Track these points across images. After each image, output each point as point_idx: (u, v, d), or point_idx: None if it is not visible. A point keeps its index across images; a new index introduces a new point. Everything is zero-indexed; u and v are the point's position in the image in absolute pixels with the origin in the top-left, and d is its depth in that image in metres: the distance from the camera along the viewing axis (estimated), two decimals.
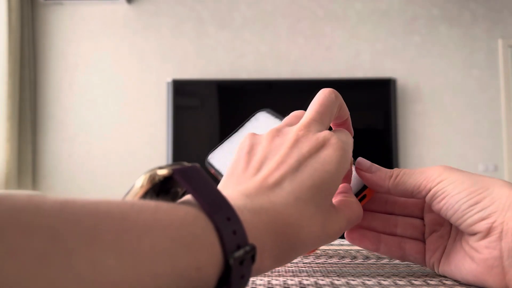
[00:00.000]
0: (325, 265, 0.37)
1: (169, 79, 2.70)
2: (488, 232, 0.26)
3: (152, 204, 0.18)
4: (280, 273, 0.33)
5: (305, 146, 0.25)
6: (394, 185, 0.30)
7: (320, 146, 0.25)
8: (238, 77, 2.76)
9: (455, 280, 0.30)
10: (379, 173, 0.31)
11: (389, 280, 0.30)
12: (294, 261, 0.39)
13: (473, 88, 2.82)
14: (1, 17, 2.60)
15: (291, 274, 0.33)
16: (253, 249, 0.19)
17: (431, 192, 0.28)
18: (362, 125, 2.69)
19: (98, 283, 0.14)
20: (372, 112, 2.74)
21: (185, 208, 0.19)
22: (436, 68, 2.82)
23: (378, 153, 2.69)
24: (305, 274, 0.33)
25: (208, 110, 2.72)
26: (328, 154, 0.25)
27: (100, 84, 2.78)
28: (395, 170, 0.31)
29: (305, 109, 0.29)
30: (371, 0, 2.85)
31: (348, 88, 2.70)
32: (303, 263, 0.39)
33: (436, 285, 0.29)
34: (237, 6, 2.83)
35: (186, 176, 0.20)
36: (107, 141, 2.75)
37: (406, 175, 0.30)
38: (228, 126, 2.67)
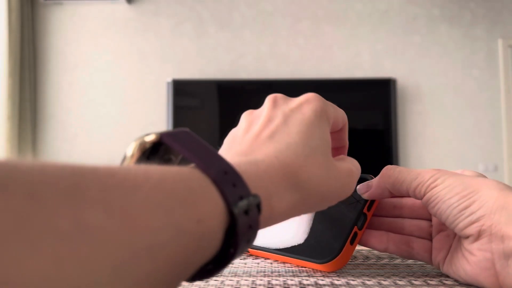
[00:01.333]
0: None
1: (169, 79, 2.70)
2: (478, 235, 0.26)
3: (142, 165, 0.17)
4: (280, 273, 0.33)
5: (287, 106, 0.26)
6: (391, 184, 0.31)
7: (300, 104, 0.26)
8: (238, 77, 2.75)
9: (455, 280, 0.30)
10: (376, 183, 0.33)
11: (389, 280, 0.30)
12: None
13: (473, 88, 2.82)
14: (1, 17, 2.60)
15: (291, 274, 0.33)
16: (256, 197, 0.19)
17: (425, 197, 0.29)
18: (362, 125, 2.69)
19: (87, 242, 0.12)
20: (372, 112, 2.74)
21: (178, 167, 0.18)
22: (436, 68, 2.82)
23: (378, 153, 2.69)
24: (305, 274, 0.33)
25: (208, 110, 2.72)
26: (309, 106, 0.26)
27: (100, 84, 2.78)
28: (388, 168, 0.32)
29: None
30: (371, 0, 2.85)
31: (348, 88, 2.70)
32: None
33: (436, 285, 0.29)
34: (237, 6, 2.83)
35: (176, 138, 0.20)
36: (107, 141, 2.75)
37: (402, 174, 0.31)
38: (228, 126, 2.66)
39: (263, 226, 0.20)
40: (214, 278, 0.31)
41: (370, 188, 0.33)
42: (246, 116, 0.28)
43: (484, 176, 0.30)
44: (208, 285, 0.29)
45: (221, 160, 0.19)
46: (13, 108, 2.58)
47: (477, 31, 2.84)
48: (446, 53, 2.83)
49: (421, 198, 0.29)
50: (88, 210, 0.13)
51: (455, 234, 0.31)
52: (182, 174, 0.17)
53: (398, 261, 0.39)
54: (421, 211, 0.34)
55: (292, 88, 2.71)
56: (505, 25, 2.85)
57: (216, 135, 2.67)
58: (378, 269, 0.35)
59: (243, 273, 0.33)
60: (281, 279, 0.31)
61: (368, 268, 0.35)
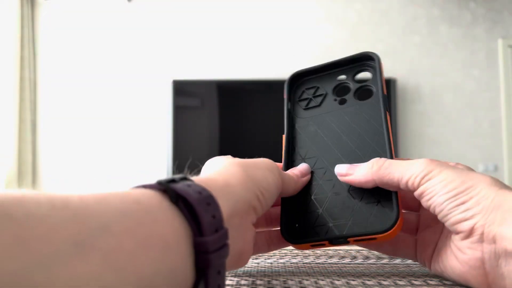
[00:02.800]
0: (325, 265, 0.37)
1: (169, 79, 2.70)
2: (470, 233, 0.26)
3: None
4: (280, 273, 0.33)
5: None
6: (380, 177, 0.30)
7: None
8: (238, 77, 2.76)
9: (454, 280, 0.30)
10: (359, 170, 0.31)
11: (389, 280, 0.30)
12: (294, 261, 0.39)
13: (473, 88, 2.82)
14: (1, 17, 2.60)
15: (291, 274, 0.33)
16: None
17: (419, 190, 0.28)
18: None
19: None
20: None
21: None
22: (436, 68, 2.82)
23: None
24: (305, 274, 0.33)
25: (208, 110, 2.72)
26: None
27: (100, 84, 2.78)
28: (376, 161, 0.31)
29: None
30: (371, 0, 2.85)
31: None
32: (303, 263, 0.39)
33: (436, 285, 0.29)
34: (237, 6, 2.83)
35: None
36: (108, 141, 2.75)
37: (393, 166, 0.29)
38: (228, 126, 2.67)
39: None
40: None
41: (351, 172, 0.31)
42: None
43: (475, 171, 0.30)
44: None
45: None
46: (13, 108, 2.58)
47: (477, 31, 2.84)
48: (446, 53, 2.83)
49: (414, 190, 0.28)
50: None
51: (442, 230, 0.31)
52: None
53: (398, 261, 0.39)
54: (411, 204, 0.33)
55: None
56: (505, 25, 2.85)
57: (216, 135, 2.67)
58: (378, 269, 0.35)
59: (243, 273, 0.33)
60: (281, 278, 0.31)
61: (368, 268, 0.35)
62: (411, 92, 2.80)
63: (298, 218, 0.33)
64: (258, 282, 0.30)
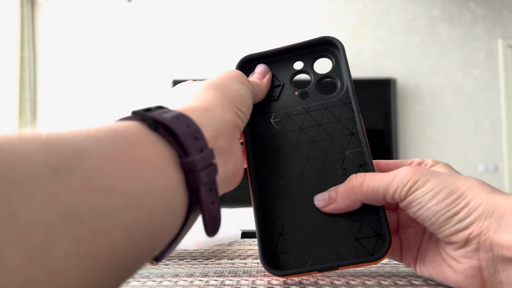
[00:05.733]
0: None
1: (169, 79, 2.70)
2: (465, 243, 0.25)
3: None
4: None
5: None
6: (364, 195, 0.28)
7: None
8: None
9: None
10: (340, 194, 0.29)
11: (389, 280, 0.30)
12: None
13: (473, 88, 2.82)
14: (1, 17, 2.60)
15: None
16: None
17: (405, 202, 0.27)
18: None
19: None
20: (372, 112, 2.74)
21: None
22: (436, 68, 2.82)
23: (378, 153, 2.69)
24: None
25: None
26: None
27: (100, 84, 2.78)
28: (354, 178, 0.29)
29: None
30: (371, 0, 2.85)
31: None
32: None
33: (435, 285, 0.29)
34: (237, 6, 2.83)
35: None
36: None
37: (374, 180, 0.28)
38: None
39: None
40: (214, 278, 0.31)
41: (332, 201, 0.29)
42: None
43: (455, 170, 0.29)
44: (208, 285, 0.29)
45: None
46: (13, 108, 2.58)
47: (477, 31, 2.84)
48: (446, 53, 2.83)
49: (400, 202, 0.27)
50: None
51: (424, 232, 0.30)
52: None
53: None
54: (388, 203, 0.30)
55: None
56: (505, 25, 2.85)
57: None
58: (378, 269, 0.35)
59: (243, 273, 0.33)
60: (281, 278, 0.31)
61: (368, 268, 0.35)
62: (411, 92, 2.80)
63: (276, 240, 0.29)
64: (258, 282, 0.30)
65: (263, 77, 0.33)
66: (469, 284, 0.26)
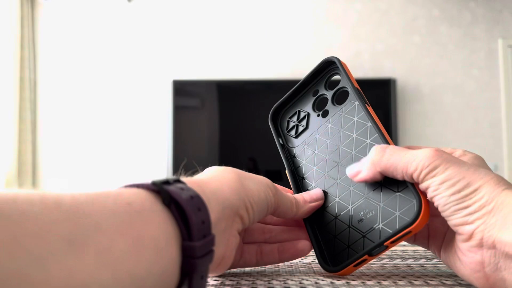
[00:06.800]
0: None
1: (169, 79, 2.70)
2: (470, 237, 0.25)
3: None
4: (280, 273, 0.33)
5: None
6: (383, 168, 0.29)
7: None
8: (238, 77, 2.75)
9: (455, 280, 0.30)
10: (364, 164, 0.30)
11: (389, 280, 0.30)
12: (294, 261, 0.39)
13: (473, 88, 2.82)
14: (1, 17, 2.60)
15: (290, 273, 0.33)
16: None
17: (424, 185, 0.27)
18: None
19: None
20: None
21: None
22: (436, 68, 2.82)
23: None
24: (305, 274, 0.33)
25: (208, 110, 2.72)
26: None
27: (100, 84, 2.78)
28: (376, 149, 0.30)
29: None
30: (371, 0, 2.85)
31: None
32: (303, 263, 0.39)
33: (436, 285, 0.29)
34: (237, 6, 2.83)
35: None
36: (108, 141, 2.75)
37: (395, 155, 0.29)
38: (228, 126, 2.67)
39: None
40: (214, 278, 0.31)
41: (359, 172, 0.31)
42: None
43: (485, 163, 0.29)
44: (208, 285, 0.29)
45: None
46: (13, 108, 2.58)
47: (477, 31, 2.84)
48: (446, 53, 2.83)
49: (419, 184, 0.28)
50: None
51: None
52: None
53: (398, 261, 0.39)
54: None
55: (291, 88, 2.71)
56: (505, 25, 2.85)
57: (216, 135, 2.67)
58: (378, 269, 0.35)
59: (243, 273, 0.33)
60: (281, 278, 0.31)
61: (368, 268, 0.35)
62: (411, 92, 2.80)
63: (331, 244, 0.32)
64: (258, 282, 0.30)
65: (312, 201, 0.34)
66: (474, 278, 0.26)
